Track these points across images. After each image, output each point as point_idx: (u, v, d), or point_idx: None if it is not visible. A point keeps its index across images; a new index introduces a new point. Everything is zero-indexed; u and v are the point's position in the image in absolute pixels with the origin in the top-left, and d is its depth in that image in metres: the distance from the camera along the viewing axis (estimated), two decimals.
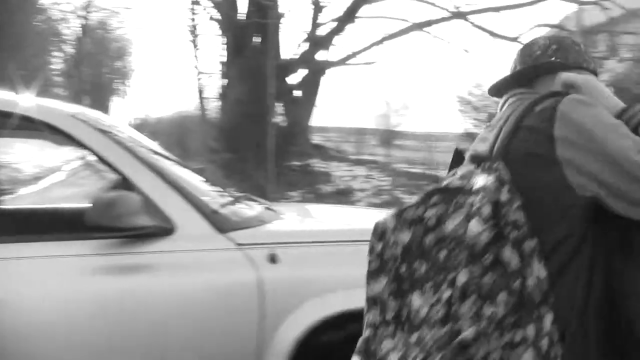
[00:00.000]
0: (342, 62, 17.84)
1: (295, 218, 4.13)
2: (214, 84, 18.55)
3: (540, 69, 1.87)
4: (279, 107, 15.61)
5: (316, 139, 21.72)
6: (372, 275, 1.64)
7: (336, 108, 50.11)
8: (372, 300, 1.63)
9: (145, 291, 2.91)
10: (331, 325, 3.01)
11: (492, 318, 1.44)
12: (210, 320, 2.93)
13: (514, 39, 17.43)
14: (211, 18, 17.07)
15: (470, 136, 24.27)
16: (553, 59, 1.85)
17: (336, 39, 17.33)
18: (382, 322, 1.59)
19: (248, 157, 12.89)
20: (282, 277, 2.98)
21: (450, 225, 1.51)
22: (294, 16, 36.50)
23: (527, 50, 1.92)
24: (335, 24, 16.97)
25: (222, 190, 3.75)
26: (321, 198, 13.21)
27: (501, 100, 1.91)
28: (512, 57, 1.97)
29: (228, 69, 15.76)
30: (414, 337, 1.49)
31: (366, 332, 1.62)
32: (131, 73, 40.28)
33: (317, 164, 16.61)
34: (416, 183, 16.56)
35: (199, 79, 19.59)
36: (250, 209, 3.52)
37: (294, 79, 17.01)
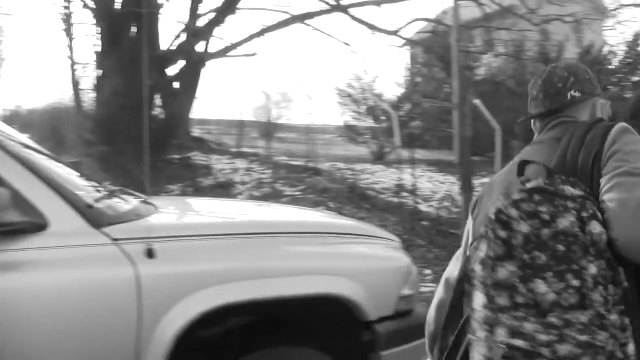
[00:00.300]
0: (223, 53, 17.75)
1: (173, 212, 4.07)
2: (90, 75, 18.06)
3: (567, 104, 2.25)
4: (158, 100, 15.36)
5: (196, 131, 21.53)
6: (498, 261, 1.79)
7: (217, 100, 49.80)
8: (498, 285, 1.78)
9: (17, 291, 2.80)
10: (211, 320, 2.99)
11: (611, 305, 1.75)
12: (87, 319, 2.85)
13: (394, 33, 17.76)
14: (85, 6, 16.57)
15: (350, 129, 24.61)
16: (573, 91, 2.24)
17: (216, 31, 17.23)
18: (511, 306, 1.75)
19: (126, 151, 12.63)
20: (160, 273, 2.93)
21: (565, 223, 1.77)
22: (172, 6, 35.98)
23: (550, 83, 2.28)
24: (215, 15, 16.84)
25: (97, 184, 3.64)
26: (201, 192, 13.12)
27: (540, 124, 2.31)
28: (534, 83, 2.35)
29: (104, 60, 15.36)
30: (554, 320, 1.71)
31: (502, 316, 1.76)
32: (1, 62, 38.68)
33: (197, 157, 16.46)
34: (298, 176, 16.65)
35: (73, 70, 19.00)
36: (127, 203, 3.44)
37: (173, 70, 16.80)
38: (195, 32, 16.69)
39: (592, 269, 1.74)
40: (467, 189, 10.05)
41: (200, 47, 17.27)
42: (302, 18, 17.15)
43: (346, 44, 20.26)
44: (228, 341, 3.24)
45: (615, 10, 23.32)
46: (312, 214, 4.92)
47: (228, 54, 17.78)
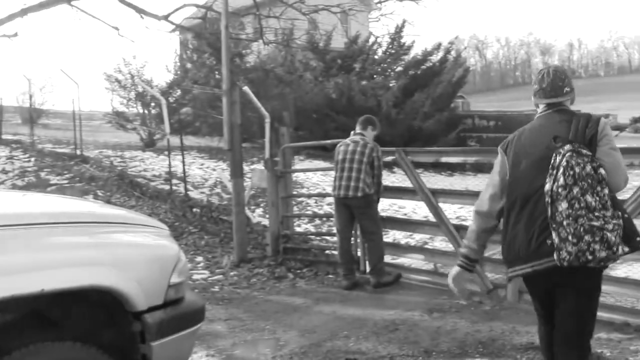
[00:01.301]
0: None
1: None
2: None
3: (563, 95, 3.82)
4: None
5: None
6: (571, 185, 3.35)
7: None
8: (572, 198, 3.35)
9: None
10: None
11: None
12: None
13: (164, 18, 17.55)
14: None
15: (118, 115, 24.03)
16: (567, 88, 3.81)
17: None
18: (579, 207, 3.33)
19: None
20: None
21: (588, 168, 3.40)
22: None
23: (555, 82, 3.81)
24: None
25: None
26: None
27: (545, 106, 3.85)
28: (542, 79, 3.83)
29: None
30: (598, 214, 3.35)
31: (578, 212, 3.34)
32: None
33: None
34: (64, 164, 16.12)
35: None
36: None
37: None
38: None
39: (605, 190, 3.41)
40: (237, 175, 10.14)
41: None
42: None
43: (115, 27, 19.67)
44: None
45: (379, 3, 24.45)
46: (77, 202, 4.75)
47: None
